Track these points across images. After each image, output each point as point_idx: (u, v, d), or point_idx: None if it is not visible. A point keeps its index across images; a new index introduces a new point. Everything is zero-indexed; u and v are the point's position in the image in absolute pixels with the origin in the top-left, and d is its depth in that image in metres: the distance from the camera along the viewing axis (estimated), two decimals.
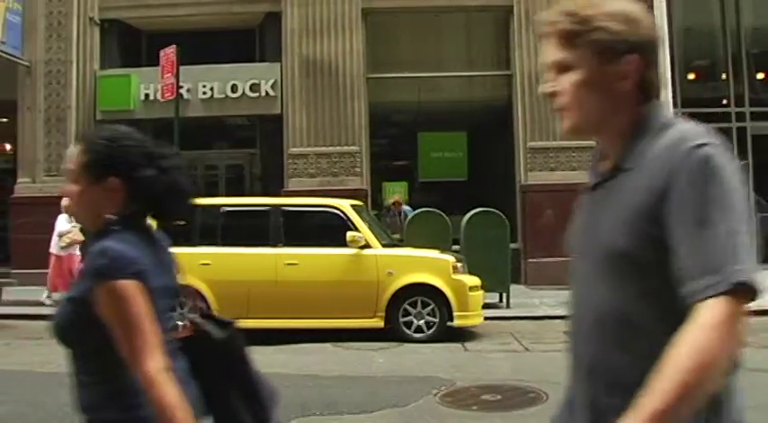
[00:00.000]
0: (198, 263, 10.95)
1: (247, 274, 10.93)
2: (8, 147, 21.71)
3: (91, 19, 18.03)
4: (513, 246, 14.15)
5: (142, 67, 18.02)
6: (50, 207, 17.06)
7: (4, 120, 21.09)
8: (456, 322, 10.70)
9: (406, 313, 10.67)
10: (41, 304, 13.97)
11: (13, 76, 18.09)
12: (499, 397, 7.36)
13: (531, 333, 11.12)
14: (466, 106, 18.27)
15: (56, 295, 13.77)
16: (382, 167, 17.80)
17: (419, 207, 14.18)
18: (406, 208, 16.61)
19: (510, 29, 16.97)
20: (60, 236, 14.37)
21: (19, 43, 17.59)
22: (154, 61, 16.43)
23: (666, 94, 15.51)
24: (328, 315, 10.74)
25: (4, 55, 17.07)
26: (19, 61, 17.71)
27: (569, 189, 13.16)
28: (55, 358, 9.65)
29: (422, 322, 10.63)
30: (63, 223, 14.35)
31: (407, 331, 10.61)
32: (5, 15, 16.96)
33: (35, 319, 13.20)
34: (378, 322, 10.67)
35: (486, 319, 11.23)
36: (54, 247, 14.45)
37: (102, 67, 18.21)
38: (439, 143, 17.69)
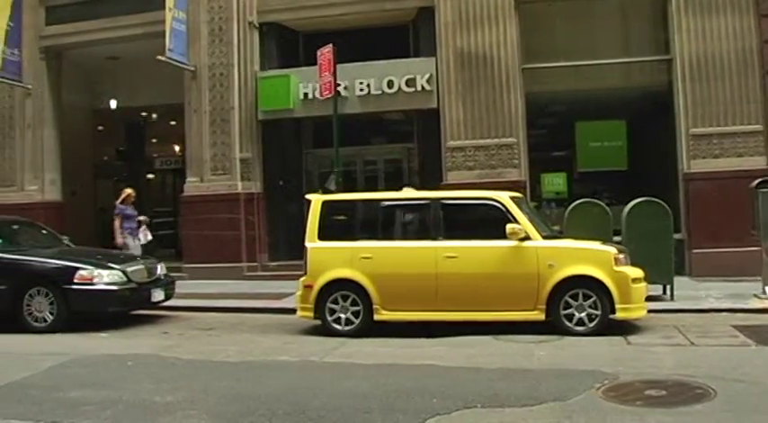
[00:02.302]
0: (359, 256, 11.25)
1: (408, 268, 11.08)
2: (177, 148, 22.83)
3: (250, 23, 18.71)
4: (676, 236, 13.78)
5: (300, 67, 18.52)
6: (217, 204, 17.88)
7: (173, 123, 22.19)
8: (618, 315, 10.54)
9: (567, 306, 10.56)
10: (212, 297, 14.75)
11: (179, 81, 19.04)
12: (664, 393, 7.19)
13: (696, 326, 10.83)
14: (624, 93, 17.89)
15: None
16: (540, 158, 17.61)
17: (578, 198, 13.97)
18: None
19: (668, 12, 16.46)
20: None
21: (184, 50, 18.48)
22: (311, 61, 16.87)
23: None
24: (488, 308, 10.78)
25: (172, 61, 17.96)
26: (185, 67, 18.60)
27: (736, 176, 12.85)
28: (225, 348, 10.25)
29: (583, 315, 10.51)
30: None
31: (569, 324, 10.52)
32: (172, 24, 17.85)
33: (206, 311, 13.94)
34: (538, 315, 10.63)
35: (649, 311, 11.00)
36: None
37: (263, 68, 18.86)
38: (597, 132, 17.36)
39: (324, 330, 11.26)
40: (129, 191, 17.01)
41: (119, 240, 16.51)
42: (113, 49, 20.38)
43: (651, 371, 8.16)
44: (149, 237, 16.78)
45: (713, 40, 15.99)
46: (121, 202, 16.77)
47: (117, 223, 16.56)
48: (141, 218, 16.82)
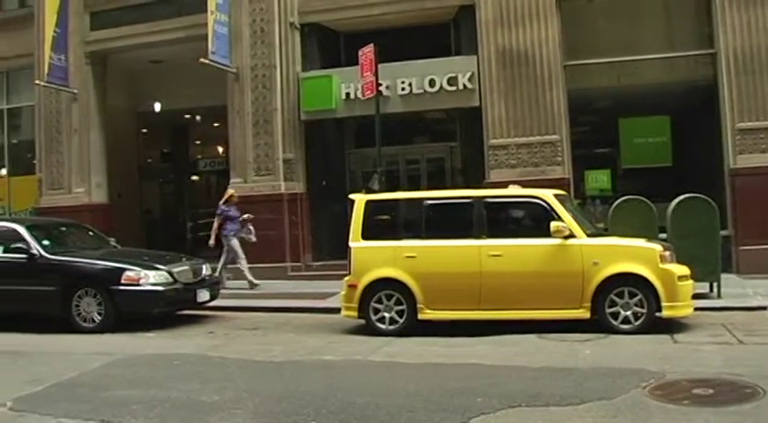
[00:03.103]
0: (403, 256, 11.28)
1: (452, 266, 11.07)
2: (220, 149, 23.01)
3: (291, 24, 18.81)
4: (722, 233, 13.59)
5: (342, 68, 18.59)
6: (261, 205, 17.99)
7: (216, 124, 22.38)
8: (664, 313, 10.41)
9: (613, 304, 10.47)
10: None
11: (222, 83, 19.19)
12: (711, 391, 7.11)
13: (744, 324, 10.67)
14: (667, 89, 17.64)
15: None
16: (583, 156, 17.49)
17: (623, 195, 13.84)
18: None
19: (712, 5, 16.24)
20: None
21: (227, 52, 18.62)
22: (353, 61, 16.93)
23: None
24: (533, 306, 10.74)
25: (215, 64, 18.11)
26: (227, 69, 18.75)
27: None
28: (270, 348, 10.31)
29: (629, 313, 10.41)
30: None
31: (614, 322, 10.42)
32: (214, 27, 18.00)
33: (251, 311, 14.04)
34: (583, 313, 10.56)
35: (695, 309, 10.87)
36: None
37: (304, 69, 18.94)
38: (641, 128, 17.19)
39: (368, 330, 11.30)
40: (231, 191, 16.98)
41: (212, 242, 16.69)
42: (157, 52, 20.62)
43: (698, 369, 8.07)
44: (253, 237, 16.77)
45: (759, 32, 15.76)
46: (224, 203, 16.73)
47: (216, 224, 16.55)
48: (246, 216, 16.71)
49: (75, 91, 20.88)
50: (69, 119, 21.11)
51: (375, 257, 11.46)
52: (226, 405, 7.36)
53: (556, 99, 16.82)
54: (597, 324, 10.47)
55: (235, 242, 16.48)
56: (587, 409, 6.70)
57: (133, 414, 7.07)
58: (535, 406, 6.86)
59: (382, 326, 11.23)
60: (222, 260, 16.62)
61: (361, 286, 11.33)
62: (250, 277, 16.41)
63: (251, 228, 16.72)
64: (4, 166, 23.44)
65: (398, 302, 11.22)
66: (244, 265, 16.50)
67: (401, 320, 11.18)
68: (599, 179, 17.32)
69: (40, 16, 20.52)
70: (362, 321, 11.46)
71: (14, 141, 23.73)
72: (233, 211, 16.63)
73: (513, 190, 11.95)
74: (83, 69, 21.03)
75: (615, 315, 10.45)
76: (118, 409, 7.27)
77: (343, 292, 11.70)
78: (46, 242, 13.39)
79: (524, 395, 7.18)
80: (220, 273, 16.03)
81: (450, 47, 18.66)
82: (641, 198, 13.39)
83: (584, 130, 18.16)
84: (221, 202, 16.87)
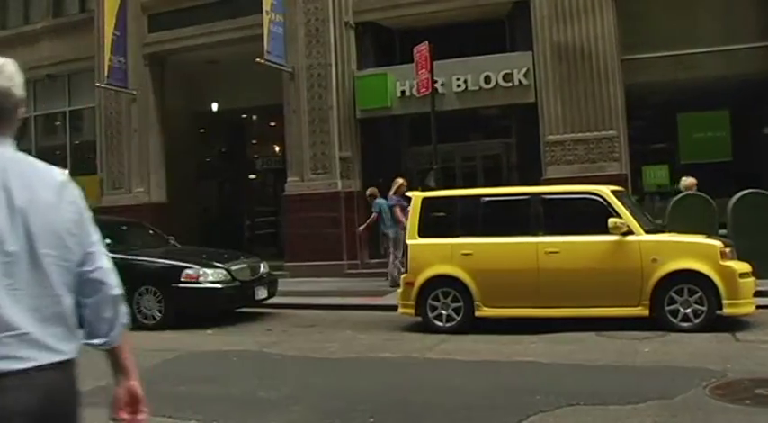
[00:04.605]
0: (460, 253, 11.26)
1: (508, 264, 11.02)
2: (277, 148, 23.19)
3: (346, 23, 18.88)
4: None
5: (397, 66, 18.62)
6: (317, 203, 18.08)
7: (272, 124, 22.56)
8: (725, 311, 10.24)
9: (672, 301, 10.31)
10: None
11: (278, 83, 19.36)
12: None
13: None
14: (727, 83, 17.33)
15: None
16: (641, 151, 17.30)
17: (681, 191, 13.62)
18: (379, 200, 16.40)
19: None
20: None
21: (282, 52, 18.77)
22: (407, 59, 16.96)
23: None
24: (590, 303, 10.62)
25: (271, 63, 18.26)
26: (283, 68, 18.90)
27: None
28: (327, 345, 10.37)
29: (689, 311, 10.25)
30: None
31: (673, 320, 10.26)
32: (270, 27, 18.15)
33: (308, 309, 14.14)
34: (642, 311, 10.42)
35: (757, 307, 10.63)
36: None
37: (359, 67, 19.01)
38: (700, 123, 16.94)
39: (425, 327, 11.31)
40: (401, 181, 16.10)
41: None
42: (213, 53, 20.85)
43: (761, 369, 7.92)
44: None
45: None
46: (395, 194, 15.97)
47: (399, 212, 15.52)
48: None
49: (135, 92, 21.24)
50: (129, 120, 21.49)
51: (432, 255, 11.46)
52: (284, 401, 7.43)
53: (612, 94, 16.65)
54: (656, 322, 10.32)
55: (402, 234, 16.06)
56: (647, 408, 6.62)
57: (193, 409, 7.18)
58: (594, 404, 6.80)
59: (439, 323, 11.23)
60: (392, 254, 16.06)
61: (417, 284, 11.33)
62: (396, 274, 15.92)
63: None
64: (66, 167, 23.88)
65: (455, 300, 11.21)
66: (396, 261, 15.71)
67: (458, 318, 11.17)
68: (657, 175, 17.12)
69: (100, 20, 20.90)
70: (419, 318, 11.48)
71: (76, 142, 24.18)
72: (404, 202, 15.07)
73: (570, 186, 11.85)
74: (141, 71, 21.38)
75: (674, 313, 10.30)
76: (178, 404, 7.38)
77: (399, 290, 11.73)
78: (107, 241, 13.53)
79: (583, 393, 7.12)
80: (397, 267, 15.28)
81: (504, 43, 18.57)
82: (701, 194, 13.21)
83: (642, 126, 17.94)
84: (391, 192, 16.10)
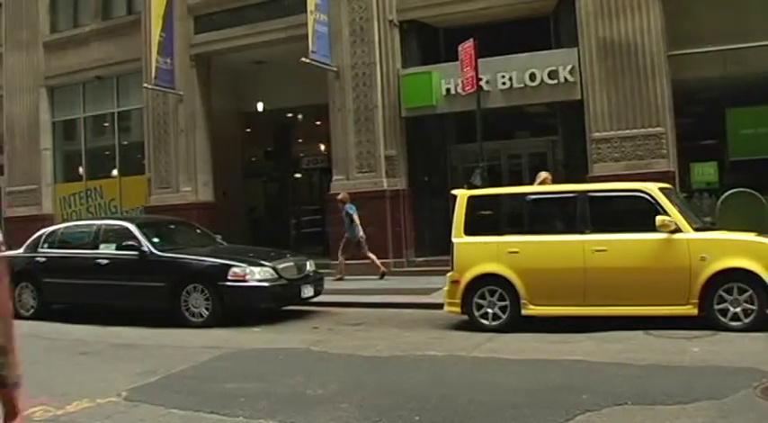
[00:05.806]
0: (506, 251, 11.21)
1: (555, 262, 10.94)
2: (322, 147, 23.32)
3: (390, 21, 18.91)
4: None
5: (441, 64, 18.62)
6: (363, 201, 18.13)
7: (318, 123, 22.68)
8: None
9: (722, 300, 10.15)
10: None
11: (323, 82, 19.45)
12: None
13: None
14: None
15: None
16: (689, 148, 17.02)
17: (731, 188, 13.43)
18: (347, 206, 17.05)
19: None
20: None
21: (327, 51, 18.86)
22: (452, 56, 16.93)
23: None
24: (638, 302, 10.50)
25: (316, 63, 18.36)
26: (328, 68, 18.99)
27: None
28: (373, 343, 10.38)
29: (739, 310, 10.08)
30: None
31: (723, 319, 10.10)
32: (314, 27, 18.25)
33: (354, 307, 14.18)
34: (691, 310, 10.28)
35: None
36: None
37: (404, 66, 19.03)
38: (749, 119, 16.63)
39: (471, 325, 11.28)
40: (545, 175, 13.67)
41: None
42: (258, 53, 21.03)
43: None
44: None
45: None
46: (539, 184, 13.35)
47: None
48: None
49: (182, 93, 21.48)
50: (176, 120, 21.74)
51: (478, 253, 11.42)
52: (330, 398, 7.47)
53: (659, 90, 16.45)
54: (705, 321, 10.17)
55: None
56: (696, 408, 6.53)
57: (240, 406, 7.24)
58: (642, 404, 6.72)
59: (485, 321, 11.20)
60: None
61: (464, 282, 11.31)
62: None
63: None
64: (115, 167, 24.23)
65: (501, 298, 11.16)
66: None
67: (504, 316, 11.13)
68: (705, 172, 16.84)
69: (147, 22, 21.18)
70: (465, 317, 11.46)
71: (125, 143, 24.49)
72: None
73: (617, 184, 11.72)
74: (188, 72, 21.62)
75: (724, 312, 10.14)
76: (226, 401, 7.46)
77: (446, 288, 11.71)
78: (156, 240, 13.81)
79: (631, 393, 7.05)
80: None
81: (549, 40, 18.47)
82: (750, 191, 13.02)
83: (690, 122, 17.67)
84: (536, 182, 13.65)
